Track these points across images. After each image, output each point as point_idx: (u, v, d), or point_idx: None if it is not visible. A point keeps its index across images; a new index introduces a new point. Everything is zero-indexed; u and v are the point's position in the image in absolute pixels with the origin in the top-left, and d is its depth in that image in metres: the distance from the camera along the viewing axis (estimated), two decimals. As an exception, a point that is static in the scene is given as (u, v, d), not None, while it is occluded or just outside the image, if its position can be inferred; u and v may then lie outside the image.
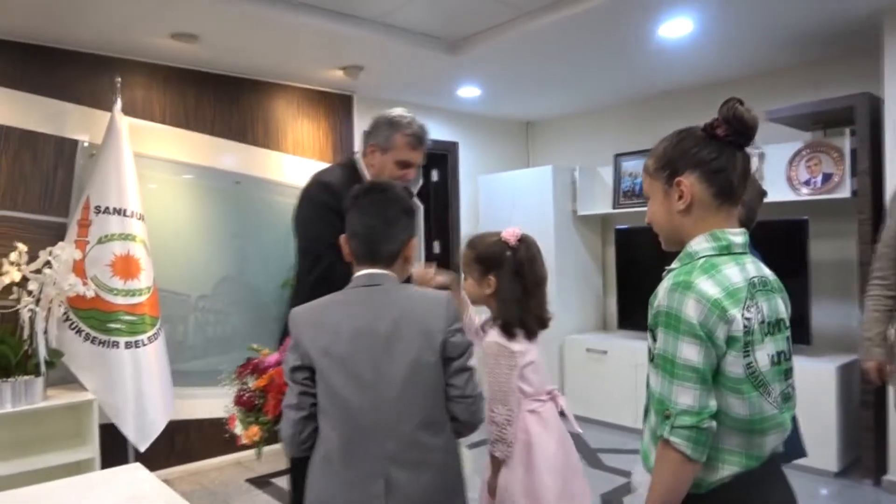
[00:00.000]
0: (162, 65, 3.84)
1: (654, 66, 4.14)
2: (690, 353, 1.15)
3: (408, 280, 2.29)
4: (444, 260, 5.24)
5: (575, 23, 3.30)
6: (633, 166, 4.88)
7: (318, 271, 2.13)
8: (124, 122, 3.40)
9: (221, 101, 4.08)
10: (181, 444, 3.88)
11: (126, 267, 3.29)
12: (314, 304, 1.50)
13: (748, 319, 1.17)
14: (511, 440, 1.77)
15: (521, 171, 5.34)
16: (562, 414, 1.90)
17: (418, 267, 2.25)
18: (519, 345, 1.80)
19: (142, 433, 3.27)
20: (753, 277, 1.23)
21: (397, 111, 2.27)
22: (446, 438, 1.47)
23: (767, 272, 1.30)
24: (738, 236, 1.27)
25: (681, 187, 1.26)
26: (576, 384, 4.85)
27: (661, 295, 1.22)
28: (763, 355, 1.20)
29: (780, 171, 3.91)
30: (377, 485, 1.39)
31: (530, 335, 1.84)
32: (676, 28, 3.44)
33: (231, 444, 4.02)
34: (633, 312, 4.74)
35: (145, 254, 3.39)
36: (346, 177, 2.25)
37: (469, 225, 5.47)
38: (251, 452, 4.07)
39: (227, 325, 4.07)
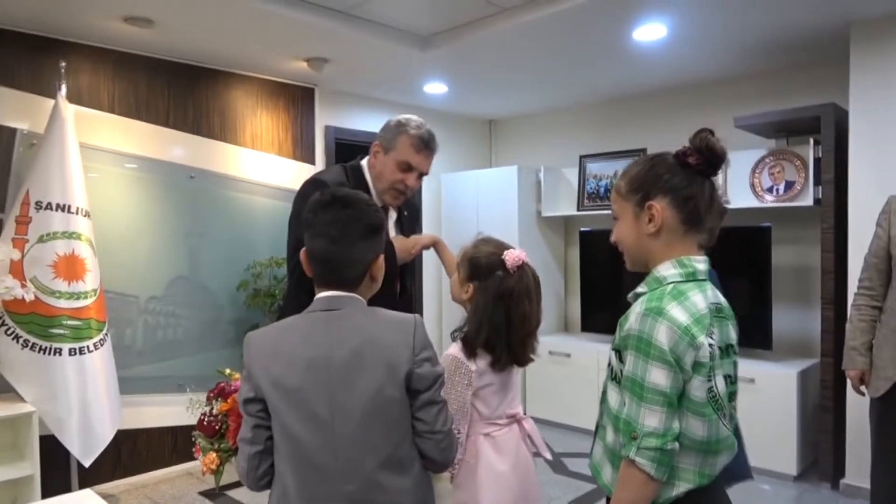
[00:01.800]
0: (112, 49, 3.58)
1: (627, 69, 4.13)
2: (659, 377, 1.19)
3: (389, 294, 2.18)
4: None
5: (552, 22, 3.24)
6: (599, 168, 4.87)
7: (298, 273, 2.01)
8: (69, 111, 3.14)
9: (176, 90, 3.84)
10: (128, 455, 3.65)
11: (70, 268, 3.05)
12: (269, 329, 1.37)
13: (711, 346, 1.22)
14: (455, 459, 1.61)
15: (485, 171, 5.26)
16: (531, 437, 1.81)
17: (398, 238, 2.16)
18: (476, 365, 1.69)
19: (87, 446, 3.04)
20: (712, 304, 1.28)
21: (412, 117, 2.15)
22: (415, 479, 1.34)
23: (722, 299, 1.34)
24: (701, 263, 1.31)
25: (652, 211, 1.30)
26: (538, 387, 4.82)
27: (633, 319, 1.25)
28: (720, 380, 1.25)
29: (743, 177, 3.96)
30: None
31: (496, 365, 1.70)
32: (650, 32, 3.42)
33: (181, 454, 3.86)
34: (596, 315, 4.74)
35: (91, 253, 3.15)
36: (349, 177, 2.12)
37: (431, 223, 5.37)
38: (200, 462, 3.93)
39: (178, 329, 3.85)
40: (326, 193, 1.38)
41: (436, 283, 5.35)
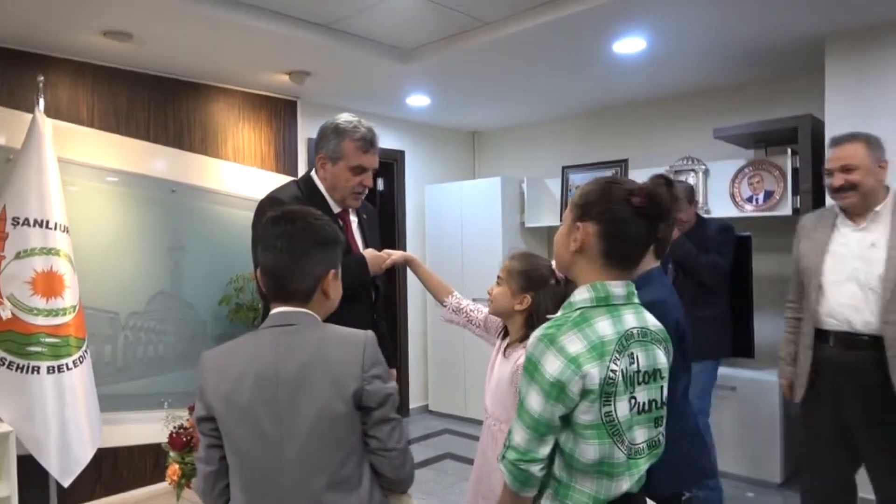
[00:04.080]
0: (91, 63, 3.55)
1: (607, 81, 4.17)
2: (534, 402, 1.24)
3: (370, 316, 2.18)
4: (389, 270, 5.10)
5: (533, 35, 3.26)
6: (581, 179, 4.89)
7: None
8: (47, 125, 3.10)
9: (156, 103, 3.81)
10: (108, 473, 3.58)
11: (48, 284, 3.00)
12: (223, 347, 1.37)
13: (612, 371, 1.24)
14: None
15: (469, 182, 5.28)
16: None
17: (370, 251, 2.18)
18: None
19: (66, 467, 2.98)
20: (632, 329, 1.30)
21: (343, 117, 2.15)
22: (363, 499, 1.32)
23: (651, 322, 1.36)
24: (618, 288, 1.32)
25: (578, 232, 1.32)
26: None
27: (531, 341, 1.29)
28: (623, 405, 1.26)
29: (723, 187, 4.01)
30: None
31: None
32: (630, 45, 3.46)
33: (164, 472, 3.77)
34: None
35: (70, 269, 3.10)
36: (303, 193, 2.13)
37: (415, 235, 5.37)
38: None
39: (160, 345, 3.80)
40: (278, 210, 1.40)
41: (420, 299, 5.34)
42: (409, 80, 4.12)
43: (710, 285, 3.15)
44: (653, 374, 1.32)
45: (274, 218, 1.36)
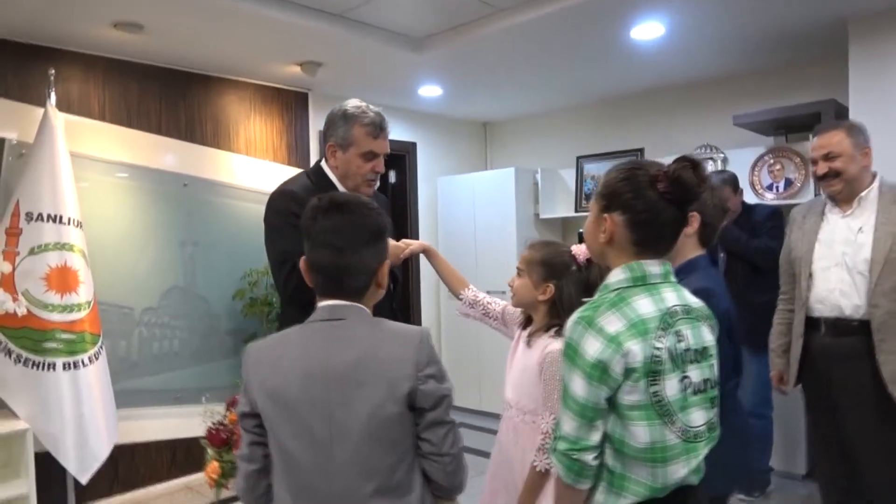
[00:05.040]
0: (101, 56, 3.51)
1: (624, 69, 4.09)
2: (578, 387, 1.22)
3: (389, 305, 2.13)
4: (405, 260, 5.07)
5: (549, 22, 3.20)
6: (596, 169, 4.83)
7: (291, 286, 1.95)
8: (59, 119, 3.07)
9: (167, 96, 3.77)
10: (125, 470, 3.57)
11: (63, 280, 2.97)
12: (268, 340, 1.31)
13: (657, 349, 1.22)
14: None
15: (482, 173, 5.22)
16: None
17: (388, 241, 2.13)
18: None
19: (83, 463, 2.96)
20: (674, 306, 1.28)
21: (350, 103, 2.09)
22: None
23: (692, 300, 1.34)
24: (654, 267, 1.30)
25: (606, 223, 1.31)
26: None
27: (568, 326, 1.27)
28: (673, 384, 1.23)
29: (742, 175, 3.92)
30: None
31: None
32: (648, 31, 3.39)
33: (180, 468, 3.78)
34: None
35: (84, 265, 3.07)
36: (314, 184, 2.09)
37: (428, 227, 5.32)
38: (201, 476, 3.82)
39: (174, 340, 3.77)
40: (324, 199, 1.32)
41: (434, 290, 5.29)
42: (421, 70, 4.06)
43: (764, 270, 3.14)
44: (702, 352, 1.29)
45: (323, 209, 1.28)
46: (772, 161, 3.87)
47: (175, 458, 3.76)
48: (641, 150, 4.58)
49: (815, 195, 3.61)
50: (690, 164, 1.26)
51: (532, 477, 1.70)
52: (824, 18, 3.25)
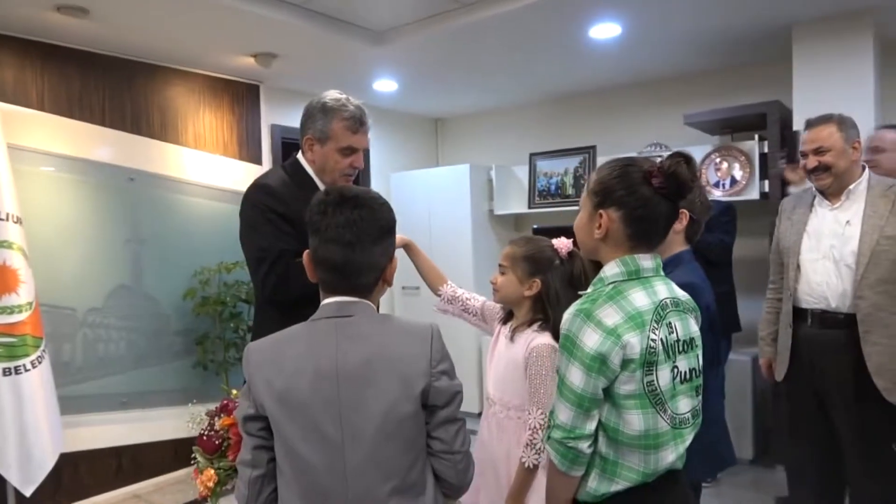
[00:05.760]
0: (40, 41, 3.29)
1: (581, 67, 4.17)
2: (575, 377, 1.25)
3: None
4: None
5: (512, 18, 3.22)
6: (549, 166, 4.90)
7: (270, 285, 1.88)
8: (-5, 108, 2.87)
9: (112, 86, 3.58)
10: (69, 479, 3.37)
11: (1, 280, 2.78)
12: (271, 339, 1.25)
13: (653, 341, 1.26)
14: (543, 447, 1.67)
15: (436, 169, 5.21)
16: None
17: None
18: None
19: (27, 475, 2.79)
20: (665, 299, 1.32)
21: (330, 95, 2.01)
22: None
23: (680, 293, 1.38)
24: (647, 261, 1.33)
25: (601, 219, 1.33)
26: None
27: (566, 318, 1.30)
28: (665, 374, 1.28)
29: (691, 173, 4.07)
30: None
31: None
32: (606, 31, 3.47)
33: (127, 476, 3.61)
34: (550, 311, 4.76)
35: (25, 264, 2.88)
36: (290, 178, 2.02)
37: (381, 224, 5.25)
38: (150, 484, 3.69)
39: (121, 342, 3.59)
40: (333, 192, 1.27)
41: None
42: (379, 64, 4.01)
43: (717, 263, 3.23)
44: (689, 343, 1.34)
45: (333, 203, 1.23)
46: (718, 160, 4.02)
47: (121, 465, 3.59)
48: (593, 148, 4.67)
49: (762, 192, 3.78)
50: (684, 160, 1.29)
51: (521, 473, 1.71)
52: (770, 23, 3.40)
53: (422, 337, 1.24)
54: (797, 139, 3.23)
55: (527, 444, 1.70)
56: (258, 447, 1.22)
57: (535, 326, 1.81)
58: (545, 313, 1.81)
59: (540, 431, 1.70)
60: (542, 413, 1.70)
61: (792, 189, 2.95)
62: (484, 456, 1.88)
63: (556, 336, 1.75)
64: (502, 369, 1.87)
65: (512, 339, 1.85)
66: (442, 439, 1.24)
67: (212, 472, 1.52)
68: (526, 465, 1.69)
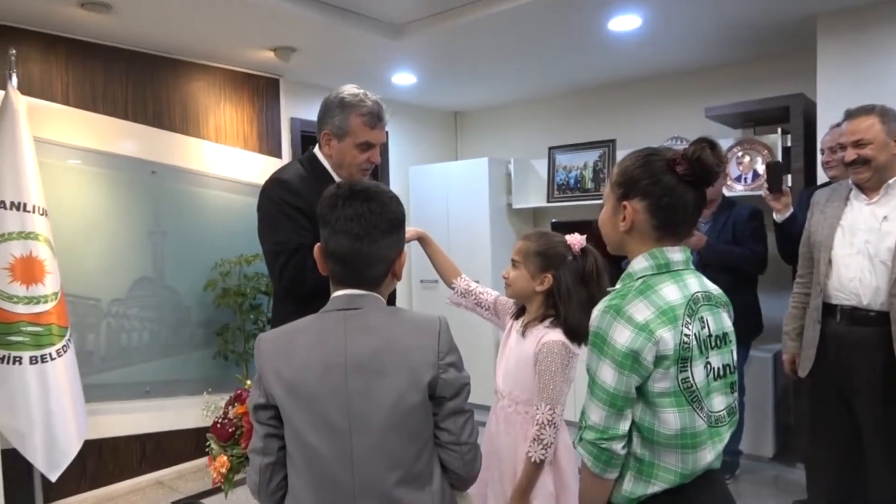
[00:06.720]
0: (64, 37, 3.35)
1: (601, 59, 4.13)
2: (607, 376, 1.21)
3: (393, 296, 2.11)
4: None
5: (532, 11, 3.19)
6: (568, 160, 4.87)
7: (287, 279, 1.90)
8: (22, 102, 2.92)
9: (134, 80, 3.63)
10: (93, 466, 3.45)
11: (28, 270, 2.85)
12: (282, 330, 1.28)
13: (686, 336, 1.22)
14: (549, 442, 1.70)
15: (455, 163, 5.20)
16: None
17: None
18: (579, 350, 1.75)
19: (52, 461, 2.86)
20: (697, 293, 1.28)
21: (347, 90, 2.02)
22: (434, 495, 1.25)
23: (711, 287, 1.35)
24: (676, 253, 1.30)
25: (626, 211, 1.30)
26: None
27: (595, 315, 1.26)
28: (700, 370, 1.24)
29: (713, 167, 4.02)
30: None
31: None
32: (626, 23, 3.43)
33: (150, 463, 3.68)
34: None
35: (51, 255, 2.95)
36: (307, 172, 2.04)
37: (399, 218, 5.26)
38: (172, 471, 3.76)
39: (143, 332, 3.66)
40: (344, 185, 1.29)
41: (405, 279, 5.27)
42: (397, 57, 4.01)
43: (753, 273, 3.23)
44: (722, 338, 1.30)
45: (344, 196, 1.25)
46: (740, 153, 3.96)
47: (145, 452, 3.66)
48: (613, 141, 4.64)
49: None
50: (709, 145, 1.25)
51: (527, 468, 1.71)
52: (794, 14, 3.33)
53: (430, 329, 1.25)
54: (825, 132, 3.17)
55: (533, 439, 1.71)
56: (268, 435, 1.24)
57: (546, 322, 1.81)
58: (557, 309, 1.81)
59: (547, 427, 1.70)
60: (549, 408, 1.71)
61: (776, 216, 2.87)
62: (490, 449, 1.90)
63: (567, 332, 1.76)
64: (512, 364, 1.87)
65: (523, 334, 1.86)
66: (450, 430, 1.25)
67: (224, 458, 1.55)
68: (532, 459, 1.70)
